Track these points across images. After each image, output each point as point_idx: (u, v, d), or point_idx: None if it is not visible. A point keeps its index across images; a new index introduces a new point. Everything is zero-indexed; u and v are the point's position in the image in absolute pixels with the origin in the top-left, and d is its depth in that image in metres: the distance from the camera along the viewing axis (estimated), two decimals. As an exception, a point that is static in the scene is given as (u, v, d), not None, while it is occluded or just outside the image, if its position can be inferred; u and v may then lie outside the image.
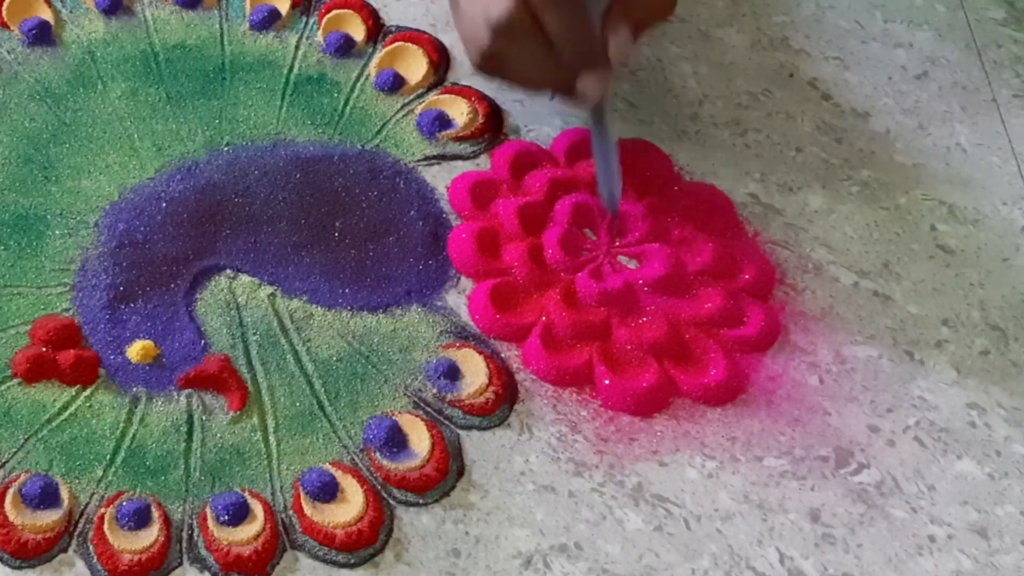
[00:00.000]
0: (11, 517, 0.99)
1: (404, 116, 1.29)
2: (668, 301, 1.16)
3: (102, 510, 1.01)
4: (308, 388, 1.10)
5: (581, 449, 1.08)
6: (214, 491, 1.03)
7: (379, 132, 1.28)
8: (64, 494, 1.01)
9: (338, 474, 1.04)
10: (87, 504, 1.01)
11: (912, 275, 1.22)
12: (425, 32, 1.36)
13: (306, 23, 1.36)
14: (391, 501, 1.03)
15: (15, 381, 1.07)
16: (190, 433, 1.06)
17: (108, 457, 1.04)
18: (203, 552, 0.99)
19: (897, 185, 1.29)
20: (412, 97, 1.31)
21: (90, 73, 1.29)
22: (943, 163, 1.31)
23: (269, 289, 1.15)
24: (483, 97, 1.31)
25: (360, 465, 1.05)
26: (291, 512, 1.02)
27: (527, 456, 1.07)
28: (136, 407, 1.07)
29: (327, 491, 1.02)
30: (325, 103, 1.29)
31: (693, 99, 1.34)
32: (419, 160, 1.26)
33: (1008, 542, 1.05)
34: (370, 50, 1.35)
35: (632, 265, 1.19)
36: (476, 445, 1.07)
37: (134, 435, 1.06)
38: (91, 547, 0.99)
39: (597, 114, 1.17)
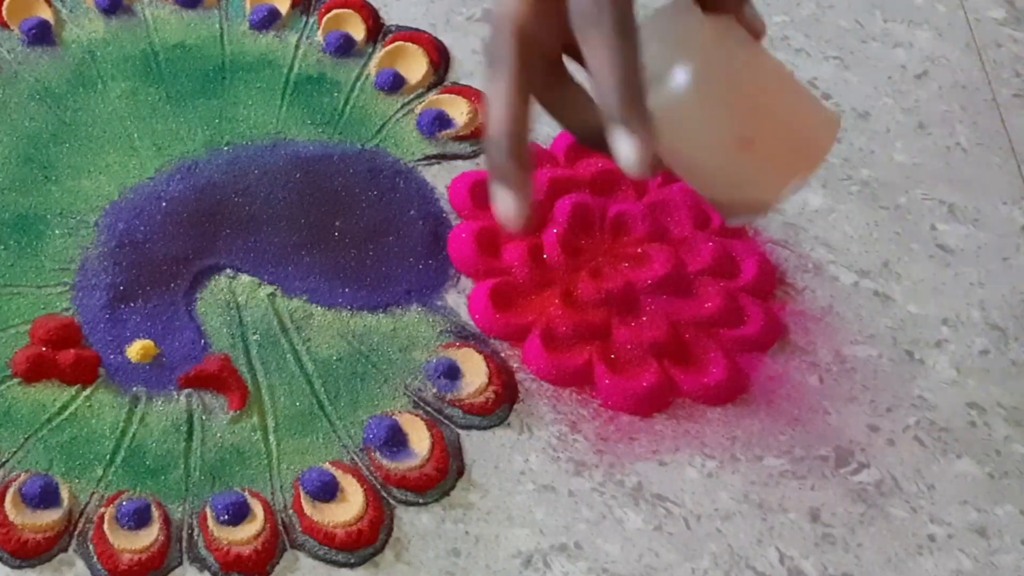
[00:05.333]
0: (11, 517, 0.99)
1: (404, 116, 1.29)
2: (668, 301, 1.16)
3: (102, 510, 1.01)
4: (308, 388, 1.10)
5: (581, 449, 1.08)
6: (214, 491, 1.03)
7: (379, 132, 1.28)
8: (64, 494, 1.01)
9: (338, 474, 1.04)
10: (87, 504, 1.01)
11: (912, 275, 1.22)
12: (425, 32, 1.36)
13: (306, 23, 1.36)
14: (391, 501, 1.03)
15: (15, 381, 1.07)
16: (190, 433, 1.06)
17: (108, 457, 1.04)
18: (203, 552, 0.99)
19: (897, 185, 1.29)
20: (412, 97, 1.31)
21: (90, 73, 1.29)
22: (943, 163, 1.31)
23: (269, 289, 1.15)
24: (483, 97, 1.31)
25: (360, 465, 1.05)
26: (291, 512, 1.02)
27: (527, 456, 1.07)
28: (136, 407, 1.07)
29: (327, 491, 1.02)
30: (325, 103, 1.29)
31: (693, 99, 1.34)
32: (419, 160, 1.26)
33: (1008, 541, 1.05)
34: (370, 50, 1.35)
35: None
36: (476, 445, 1.07)
37: (134, 435, 1.06)
38: (91, 547, 0.99)
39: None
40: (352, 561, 1.00)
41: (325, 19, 1.35)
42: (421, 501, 1.03)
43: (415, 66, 1.32)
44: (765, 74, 0.83)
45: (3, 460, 1.03)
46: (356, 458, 1.06)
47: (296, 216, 1.19)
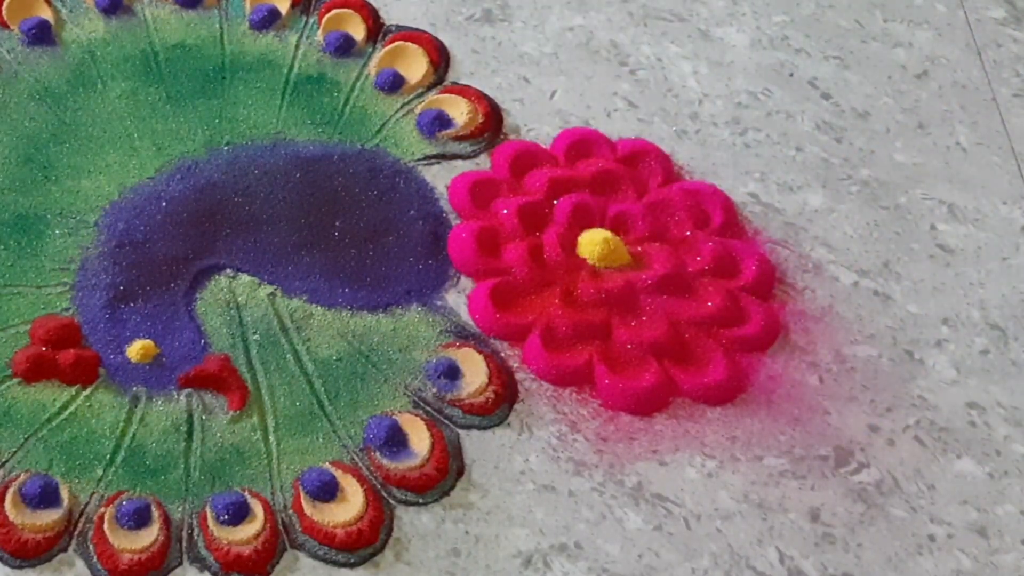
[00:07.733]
0: (11, 517, 0.99)
1: (404, 115, 1.29)
2: (668, 301, 1.16)
3: (102, 510, 1.01)
4: (308, 388, 1.10)
5: (581, 449, 1.08)
6: (214, 491, 1.03)
7: (379, 131, 1.28)
8: (64, 494, 1.01)
9: (338, 474, 1.04)
10: (87, 504, 1.01)
11: (912, 274, 1.22)
12: (425, 32, 1.36)
13: (306, 23, 1.36)
14: (391, 500, 1.03)
15: (15, 380, 1.07)
16: (190, 433, 1.06)
17: (108, 457, 1.04)
18: (203, 551, 0.99)
19: (897, 185, 1.29)
20: (412, 96, 1.31)
21: (90, 73, 1.29)
22: (943, 162, 1.31)
23: (269, 289, 1.15)
24: (483, 96, 1.31)
25: (360, 465, 1.05)
26: (291, 511, 1.02)
27: (527, 456, 1.07)
28: (136, 407, 1.07)
29: (327, 491, 1.02)
30: (325, 103, 1.29)
31: (693, 99, 1.34)
32: (419, 159, 1.26)
33: (1008, 541, 1.05)
34: (370, 50, 1.35)
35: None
36: (476, 444, 1.07)
37: (134, 435, 1.06)
38: (91, 546, 0.99)
39: None
40: (352, 561, 1.00)
41: (325, 19, 1.35)
42: (421, 501, 1.03)
43: (415, 66, 1.32)
44: None
45: (3, 460, 1.03)
46: (356, 458, 1.06)
47: (296, 216, 1.19)
